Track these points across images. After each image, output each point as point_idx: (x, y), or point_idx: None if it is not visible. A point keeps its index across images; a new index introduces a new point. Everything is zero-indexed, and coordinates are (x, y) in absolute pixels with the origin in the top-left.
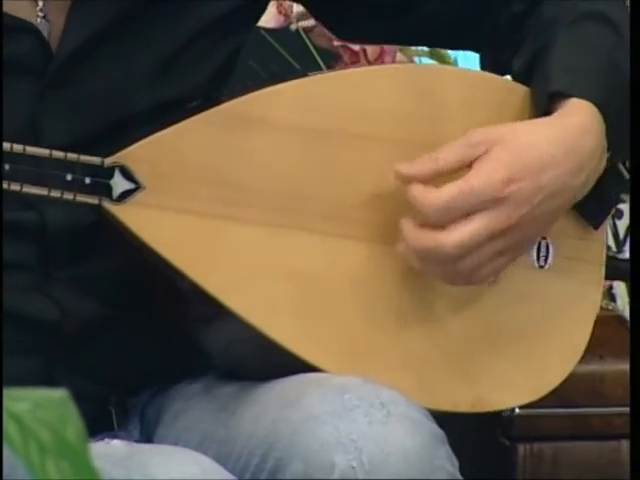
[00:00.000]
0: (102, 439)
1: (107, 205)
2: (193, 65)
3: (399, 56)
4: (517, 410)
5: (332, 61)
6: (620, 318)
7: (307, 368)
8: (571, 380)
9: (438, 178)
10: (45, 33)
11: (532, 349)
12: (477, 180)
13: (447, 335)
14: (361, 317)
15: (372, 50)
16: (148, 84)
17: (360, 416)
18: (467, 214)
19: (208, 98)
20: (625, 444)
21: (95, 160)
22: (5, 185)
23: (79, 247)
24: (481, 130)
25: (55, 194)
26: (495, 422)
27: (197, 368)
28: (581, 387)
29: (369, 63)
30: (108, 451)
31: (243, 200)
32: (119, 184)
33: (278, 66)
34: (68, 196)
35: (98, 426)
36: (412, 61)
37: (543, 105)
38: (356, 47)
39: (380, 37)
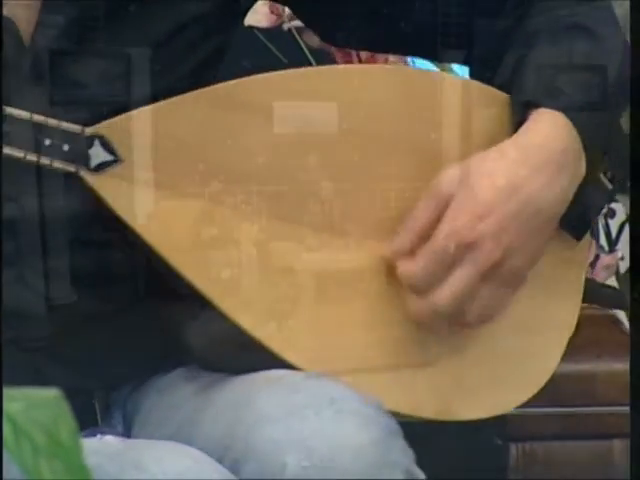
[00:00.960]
0: (94, 435)
1: (84, 174)
2: (180, 56)
3: (391, 57)
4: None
5: (324, 61)
6: (613, 318)
7: (281, 366)
8: (564, 380)
9: (420, 240)
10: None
11: (501, 367)
12: (442, 234)
13: (422, 342)
14: (339, 315)
15: None
16: (138, 74)
17: (311, 414)
18: (449, 267)
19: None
20: (617, 444)
21: (76, 128)
22: None
23: (62, 240)
24: (442, 175)
25: (31, 157)
26: (488, 422)
27: (173, 361)
28: (574, 387)
29: (361, 63)
30: (101, 447)
31: (223, 184)
32: (98, 154)
33: (270, 65)
34: (45, 161)
35: (83, 421)
36: (405, 62)
37: (518, 115)
38: None
39: (365, 44)
